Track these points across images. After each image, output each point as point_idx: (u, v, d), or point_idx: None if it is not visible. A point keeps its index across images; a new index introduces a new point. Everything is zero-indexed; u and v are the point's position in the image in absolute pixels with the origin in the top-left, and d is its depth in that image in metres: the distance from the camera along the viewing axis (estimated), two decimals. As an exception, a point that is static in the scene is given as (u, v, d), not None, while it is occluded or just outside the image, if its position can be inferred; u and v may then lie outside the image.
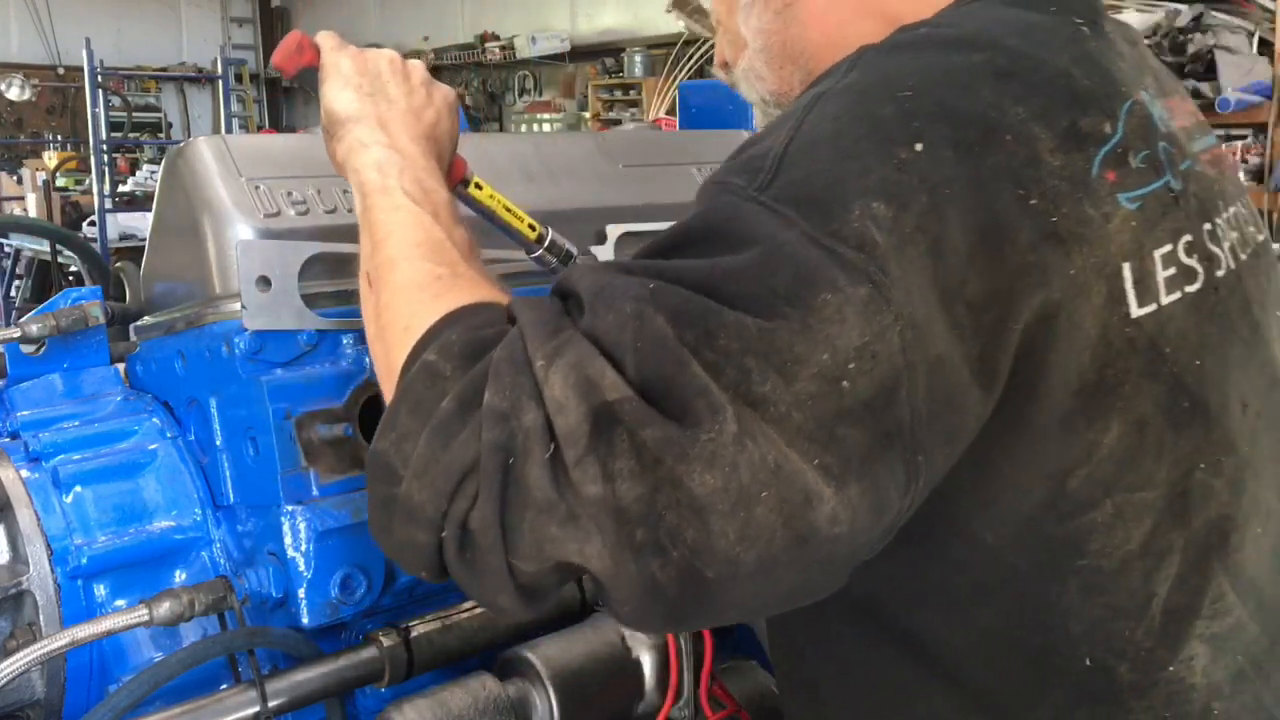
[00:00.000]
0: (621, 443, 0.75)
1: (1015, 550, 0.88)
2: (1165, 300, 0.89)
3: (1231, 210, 1.02)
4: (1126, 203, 0.88)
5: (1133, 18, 5.06)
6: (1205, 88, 4.89)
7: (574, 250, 1.34)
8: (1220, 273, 0.95)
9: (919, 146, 0.82)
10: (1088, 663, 0.90)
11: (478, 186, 1.26)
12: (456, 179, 1.22)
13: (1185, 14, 4.93)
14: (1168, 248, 0.90)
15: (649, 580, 0.75)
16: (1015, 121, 0.85)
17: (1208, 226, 0.96)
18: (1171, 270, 0.90)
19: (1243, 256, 1.00)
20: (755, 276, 0.78)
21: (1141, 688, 0.90)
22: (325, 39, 1.20)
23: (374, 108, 1.13)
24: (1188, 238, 0.92)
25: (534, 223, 1.29)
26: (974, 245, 0.80)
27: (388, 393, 0.92)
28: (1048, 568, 0.88)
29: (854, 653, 1.00)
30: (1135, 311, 0.87)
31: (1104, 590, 0.89)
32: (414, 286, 0.96)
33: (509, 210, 1.28)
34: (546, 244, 1.30)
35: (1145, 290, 0.87)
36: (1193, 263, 0.92)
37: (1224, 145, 4.87)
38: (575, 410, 0.75)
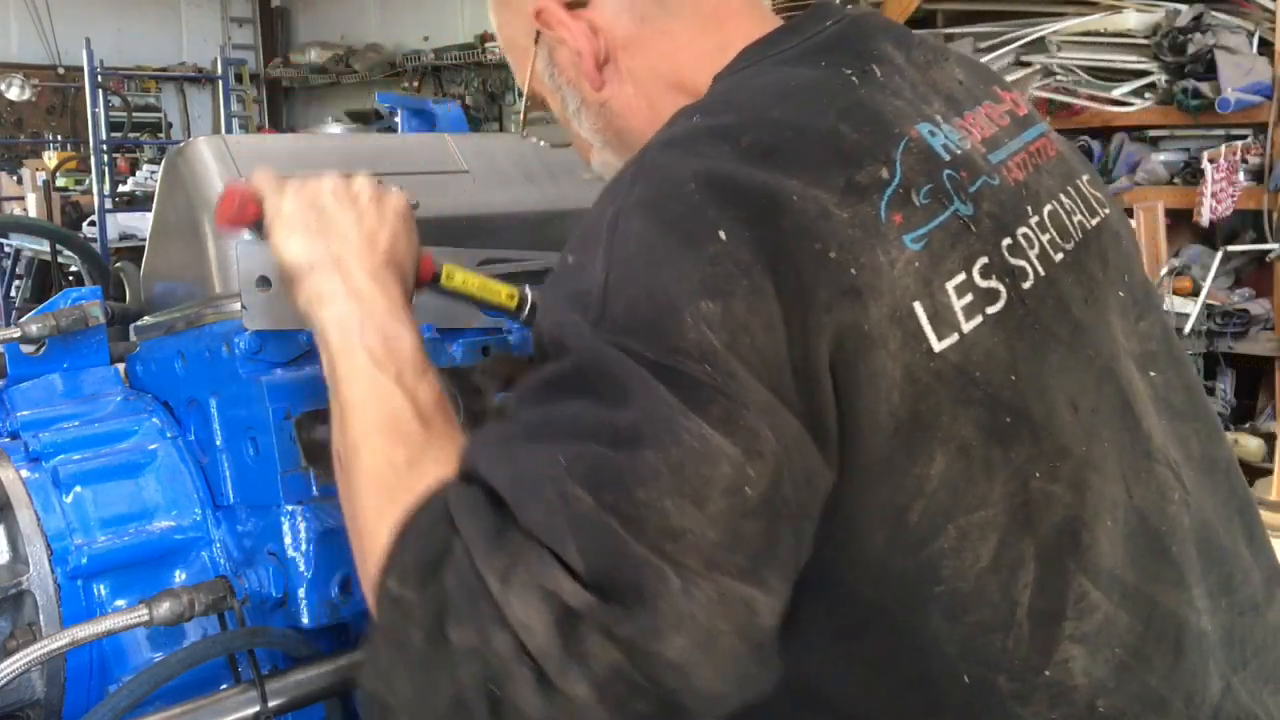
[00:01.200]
0: (593, 639, 0.78)
1: (876, 587, 0.91)
2: (967, 328, 0.90)
3: (1047, 209, 1.04)
4: (911, 243, 0.90)
5: (1133, 18, 5.05)
6: (1205, 88, 4.88)
7: None
8: (1027, 284, 0.97)
9: (722, 234, 0.85)
10: (967, 680, 0.91)
11: (449, 277, 1.22)
12: (425, 279, 1.20)
13: (1185, 14, 4.93)
14: (960, 277, 0.92)
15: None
16: (794, 191, 0.88)
17: (1008, 241, 0.97)
18: (968, 297, 0.91)
19: (1058, 257, 1.01)
20: (644, 420, 0.82)
21: (1023, 694, 0.92)
22: (262, 181, 1.15)
23: (326, 248, 1.09)
24: (983, 260, 0.94)
25: (511, 290, 1.27)
26: (788, 313, 0.84)
27: (366, 583, 0.95)
28: (909, 599, 0.91)
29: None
30: (937, 346, 0.89)
31: (967, 610, 0.90)
32: (375, 481, 0.98)
33: (485, 287, 1.26)
34: (529, 308, 1.29)
35: (943, 323, 0.89)
36: (992, 283, 0.94)
37: (1224, 145, 4.88)
38: (542, 627, 0.78)
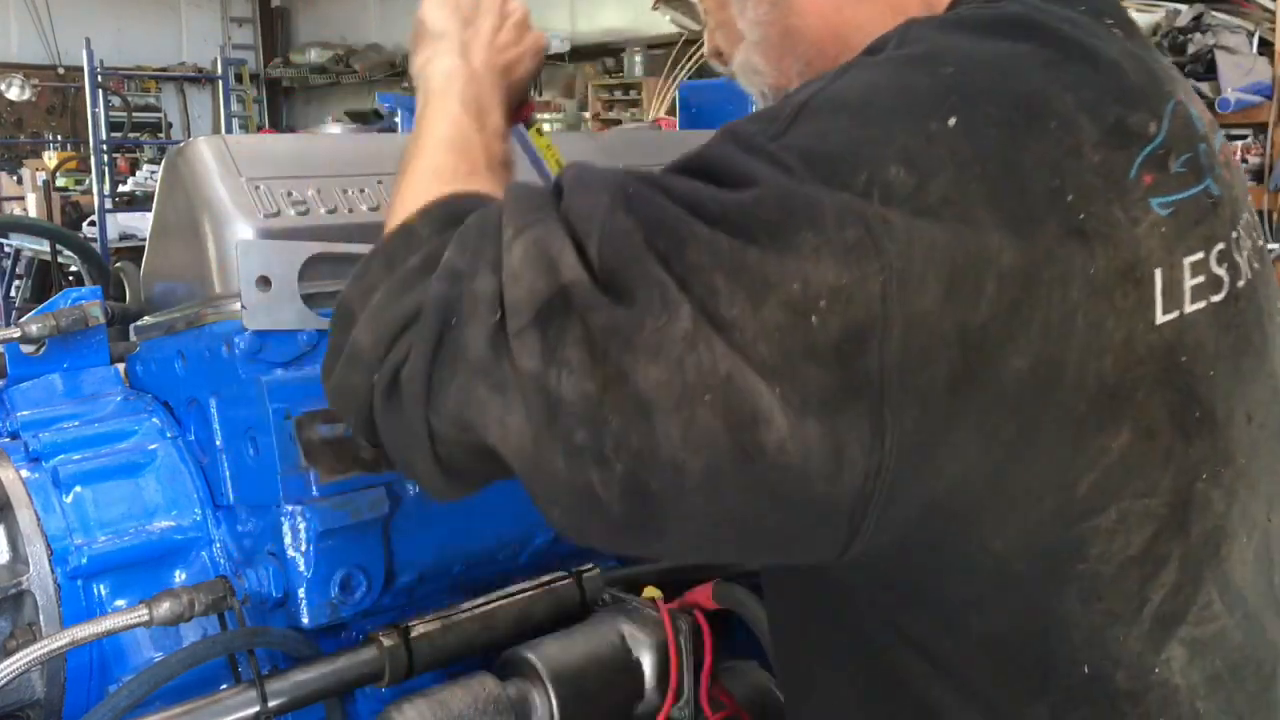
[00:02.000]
0: (572, 331, 0.74)
1: (1020, 557, 0.87)
2: (1189, 309, 0.87)
3: (1245, 216, 1.01)
4: (1158, 208, 0.86)
5: (1132, 18, 5.06)
6: (1205, 88, 4.89)
7: None
8: (1240, 283, 0.94)
9: (952, 121, 0.79)
10: (1086, 670, 0.89)
11: (539, 133, 1.32)
12: (523, 118, 1.30)
13: (1185, 14, 4.93)
14: (1199, 255, 0.88)
15: (586, 489, 0.74)
16: (1063, 109, 0.83)
17: (1235, 234, 0.94)
18: (1200, 278, 0.88)
19: (1256, 265, 0.99)
20: (741, 208, 0.76)
21: (1136, 694, 0.90)
22: None
23: (462, 32, 1.17)
24: (1220, 245, 0.91)
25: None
26: (1002, 228, 0.78)
27: (384, 232, 0.95)
28: (1049, 574, 0.88)
29: (855, 659, 0.99)
30: (1159, 319, 0.85)
31: (1102, 596, 0.88)
32: (430, 174, 0.99)
33: (551, 155, 1.35)
34: None
35: (1170, 298, 0.86)
36: (1221, 272, 0.91)
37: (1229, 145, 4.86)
38: (528, 283, 0.75)
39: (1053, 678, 0.90)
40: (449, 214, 0.88)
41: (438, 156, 1.02)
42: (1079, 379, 0.82)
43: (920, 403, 0.78)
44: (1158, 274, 0.85)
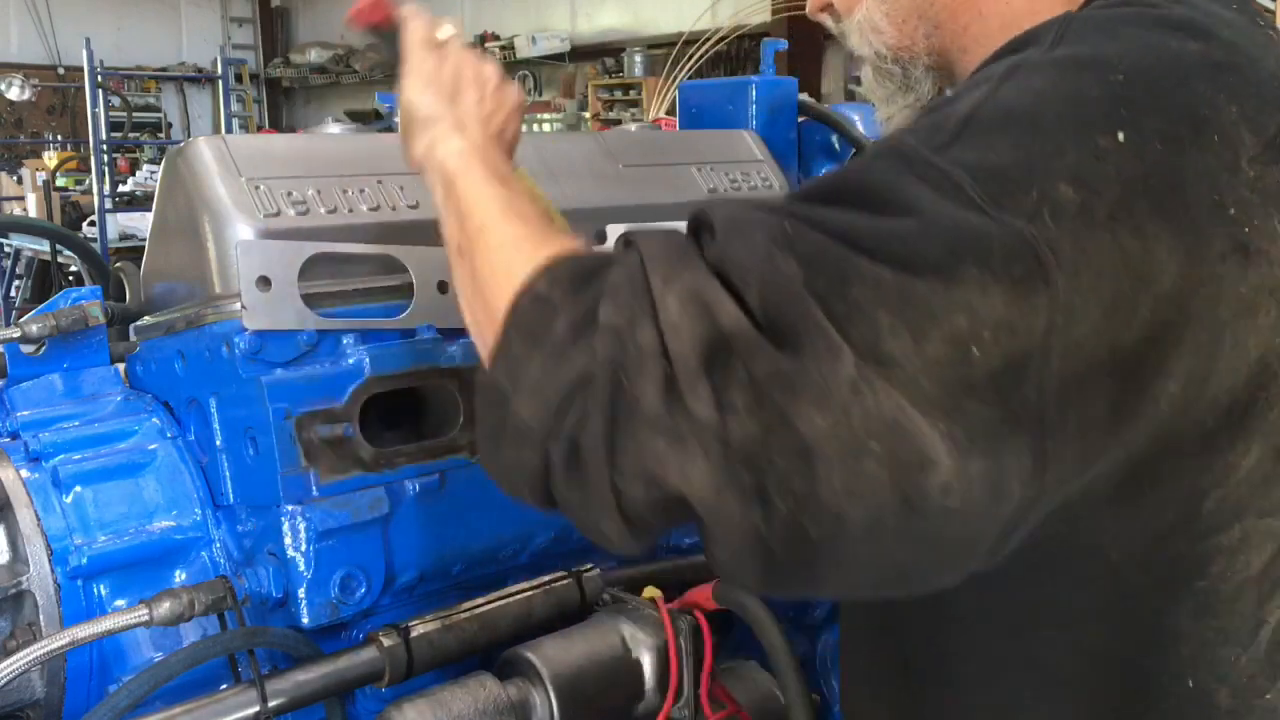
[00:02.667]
0: (736, 374, 0.73)
1: (1140, 571, 0.87)
2: None
3: None
4: None
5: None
6: (1205, 88, 4.89)
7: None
8: None
9: (1121, 136, 0.78)
10: (1190, 685, 0.89)
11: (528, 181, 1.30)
12: None
13: (1185, 14, 4.93)
14: None
15: (752, 531, 0.74)
16: (1226, 121, 0.81)
17: None
18: None
19: None
20: (903, 240, 0.75)
21: (1238, 713, 0.90)
22: (411, 21, 1.22)
23: (452, 112, 1.16)
24: None
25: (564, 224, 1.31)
26: (1169, 246, 0.77)
27: (489, 339, 0.91)
28: (1166, 588, 0.87)
29: (966, 664, 0.99)
30: None
31: (1216, 614, 0.88)
32: (510, 244, 0.96)
33: (550, 209, 1.33)
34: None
35: None
36: None
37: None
38: (689, 333, 0.74)
39: (1157, 693, 0.90)
40: (574, 273, 0.85)
41: (505, 228, 0.98)
42: (1214, 396, 0.81)
43: (1082, 434, 0.77)
44: None
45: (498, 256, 0.96)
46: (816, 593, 0.85)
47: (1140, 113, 0.79)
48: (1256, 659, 0.89)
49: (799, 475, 0.72)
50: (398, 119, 1.22)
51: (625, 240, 0.84)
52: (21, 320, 1.48)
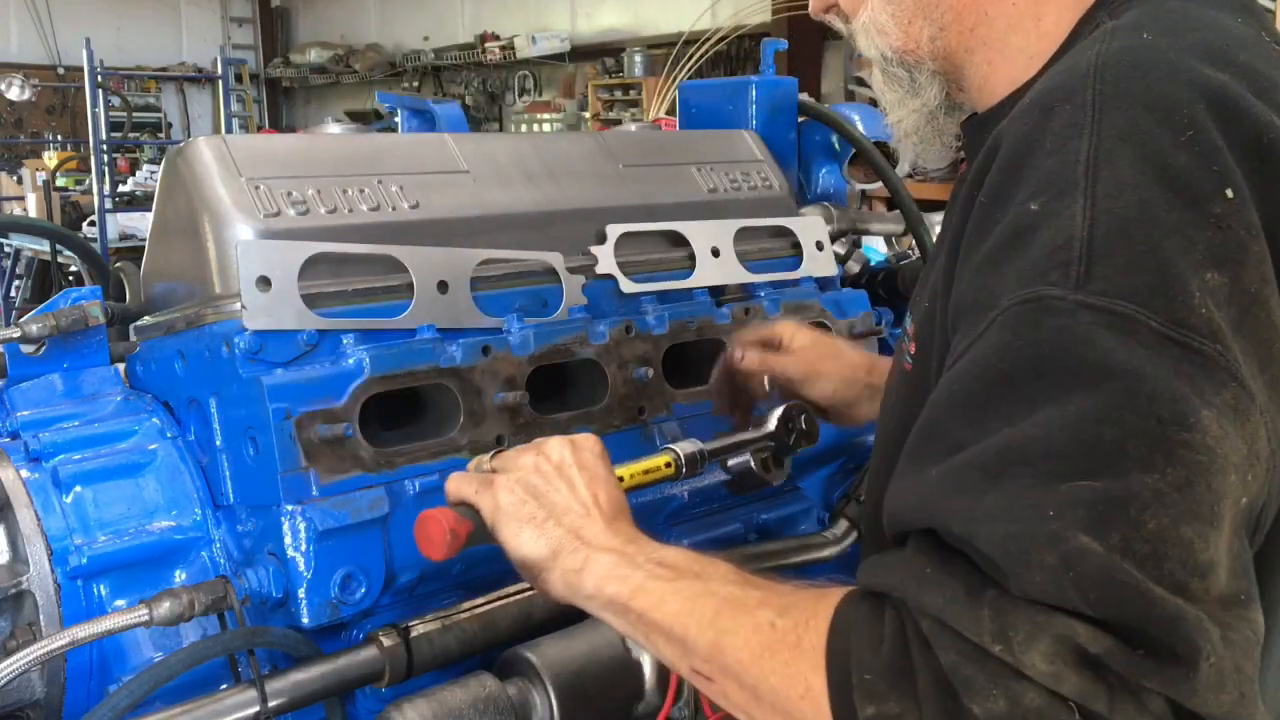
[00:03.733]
0: (1135, 687, 0.70)
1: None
2: None
3: None
4: None
5: None
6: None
7: (699, 449, 1.32)
8: None
9: (1230, 193, 0.77)
10: None
11: (624, 481, 1.21)
12: None
13: (1185, 14, 4.93)
14: None
15: None
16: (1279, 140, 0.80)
17: None
18: None
19: None
20: (1134, 424, 0.71)
21: None
22: (463, 488, 1.12)
23: (560, 530, 1.06)
24: None
25: (666, 459, 1.29)
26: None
27: None
28: None
29: None
30: None
31: None
32: (758, 650, 0.86)
33: (646, 473, 1.27)
34: (681, 464, 1.29)
35: None
36: None
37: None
38: (1072, 671, 0.70)
39: None
40: (882, 672, 0.76)
41: (737, 634, 0.88)
42: None
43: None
44: None
45: (758, 669, 0.86)
46: None
47: (1226, 164, 0.78)
48: None
49: None
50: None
51: (871, 593, 0.79)
52: (21, 320, 1.48)
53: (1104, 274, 0.75)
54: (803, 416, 1.44)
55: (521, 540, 1.06)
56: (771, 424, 1.42)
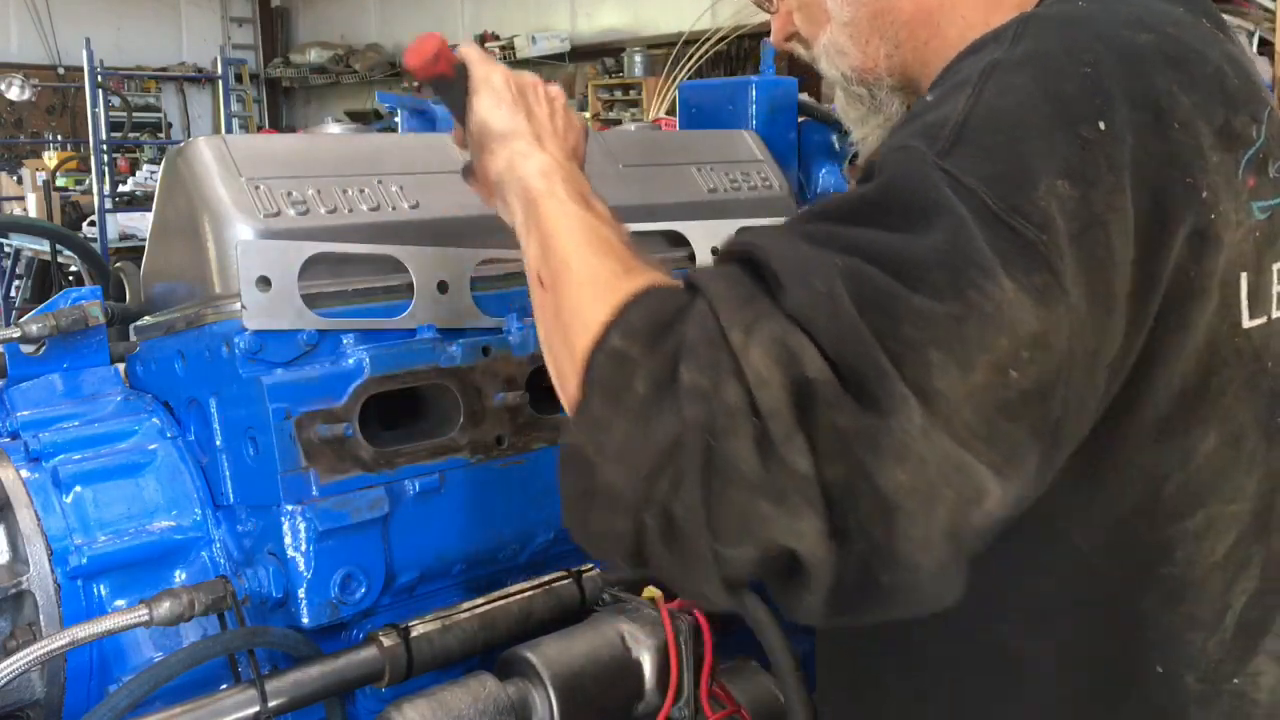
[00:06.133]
0: (822, 421, 0.73)
1: (1105, 556, 0.88)
2: (1276, 314, 0.89)
3: None
4: (1257, 212, 0.87)
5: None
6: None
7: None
8: None
9: (1102, 125, 0.81)
10: (1160, 670, 0.90)
11: None
12: None
13: (1185, 14, 4.94)
14: None
15: (835, 574, 0.75)
16: (1183, 111, 0.84)
17: None
18: None
19: None
20: (941, 258, 0.76)
21: (1206, 698, 0.91)
22: (470, 52, 1.21)
23: (528, 125, 1.14)
24: None
25: None
26: (1145, 233, 0.79)
27: (570, 386, 0.90)
28: (1133, 575, 0.89)
29: (935, 664, 1.00)
30: (1246, 322, 0.86)
31: (1184, 599, 0.89)
32: (589, 282, 0.94)
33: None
34: None
35: (1258, 302, 0.87)
36: None
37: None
38: (779, 384, 0.74)
39: (1125, 680, 0.91)
40: (649, 323, 0.83)
41: (586, 263, 0.96)
42: (1167, 379, 0.83)
43: (1073, 436, 0.80)
44: (1243, 278, 0.86)
45: (580, 295, 0.94)
46: (872, 621, 0.87)
47: (1111, 102, 0.82)
48: (1223, 643, 0.90)
49: (879, 527, 0.73)
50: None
51: (689, 284, 0.84)
52: (21, 320, 1.48)
53: (963, 153, 0.80)
54: None
55: (494, 112, 1.16)
56: None
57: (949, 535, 0.74)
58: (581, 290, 0.94)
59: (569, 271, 0.97)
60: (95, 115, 8.32)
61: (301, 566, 1.24)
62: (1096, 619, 0.91)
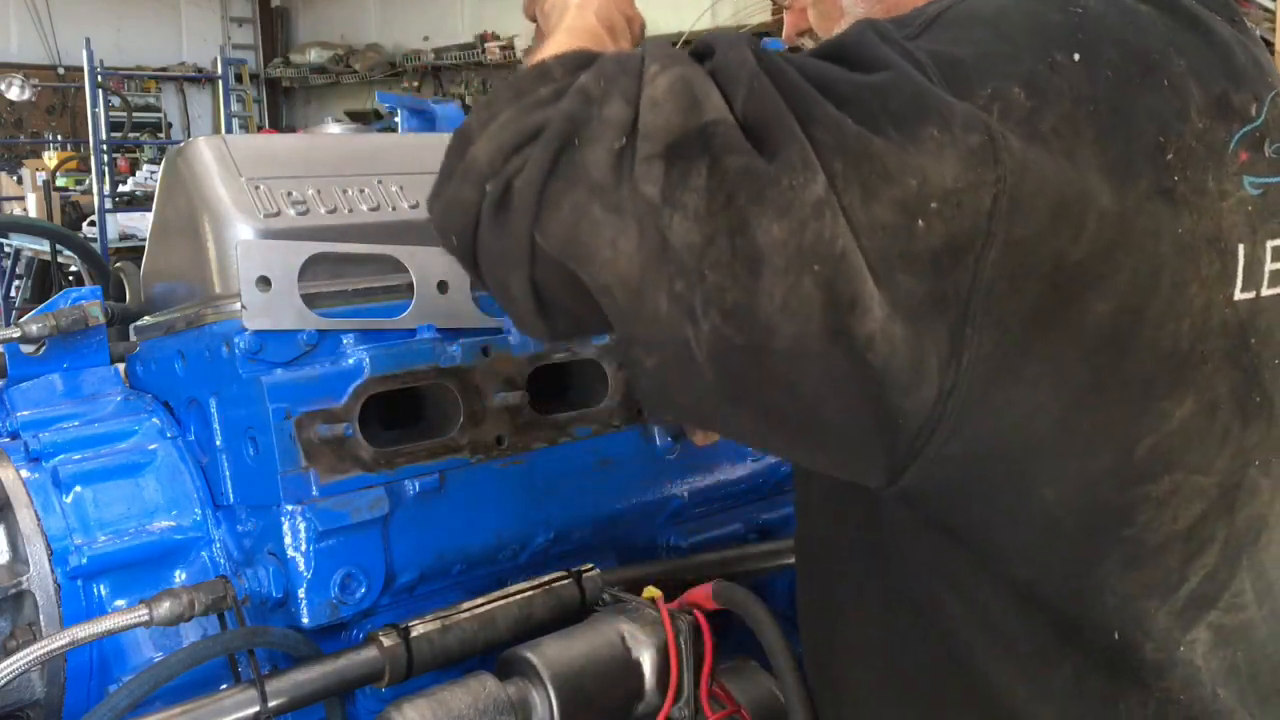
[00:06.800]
0: (697, 176, 0.74)
1: (1069, 510, 0.87)
2: (1266, 292, 0.89)
3: None
4: (1250, 187, 0.88)
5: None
6: (1205, 88, 4.89)
7: None
8: None
9: (1077, 57, 0.82)
10: (1116, 637, 0.90)
11: None
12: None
13: (1185, 14, 4.94)
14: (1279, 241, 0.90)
15: (685, 346, 0.75)
16: (1175, 72, 0.85)
17: None
18: (1279, 265, 0.90)
19: None
20: (871, 93, 0.77)
21: (1162, 666, 0.90)
22: None
23: None
24: None
25: None
26: (1101, 171, 0.80)
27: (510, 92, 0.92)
28: (1094, 533, 0.88)
29: (890, 594, 1.00)
30: (1237, 295, 0.87)
31: (1143, 566, 0.89)
32: (555, 47, 1.02)
33: None
34: None
35: (1250, 276, 0.88)
36: None
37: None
38: (667, 113, 0.75)
39: (1080, 638, 0.91)
40: (586, 59, 0.85)
41: (566, 42, 1.05)
42: (1154, 337, 0.83)
43: (1002, 328, 0.79)
44: (1241, 249, 0.87)
45: (543, 55, 0.97)
46: (737, 427, 0.88)
47: (1096, 42, 0.83)
48: (1172, 613, 0.90)
49: (737, 287, 0.73)
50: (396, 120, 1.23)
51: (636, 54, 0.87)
52: (21, 320, 1.48)
53: (929, 38, 0.82)
54: None
55: None
56: None
57: (817, 320, 0.74)
58: (547, 52, 0.97)
59: (546, 48, 1.05)
60: (95, 115, 8.33)
61: (301, 566, 1.24)
62: (1058, 577, 0.90)
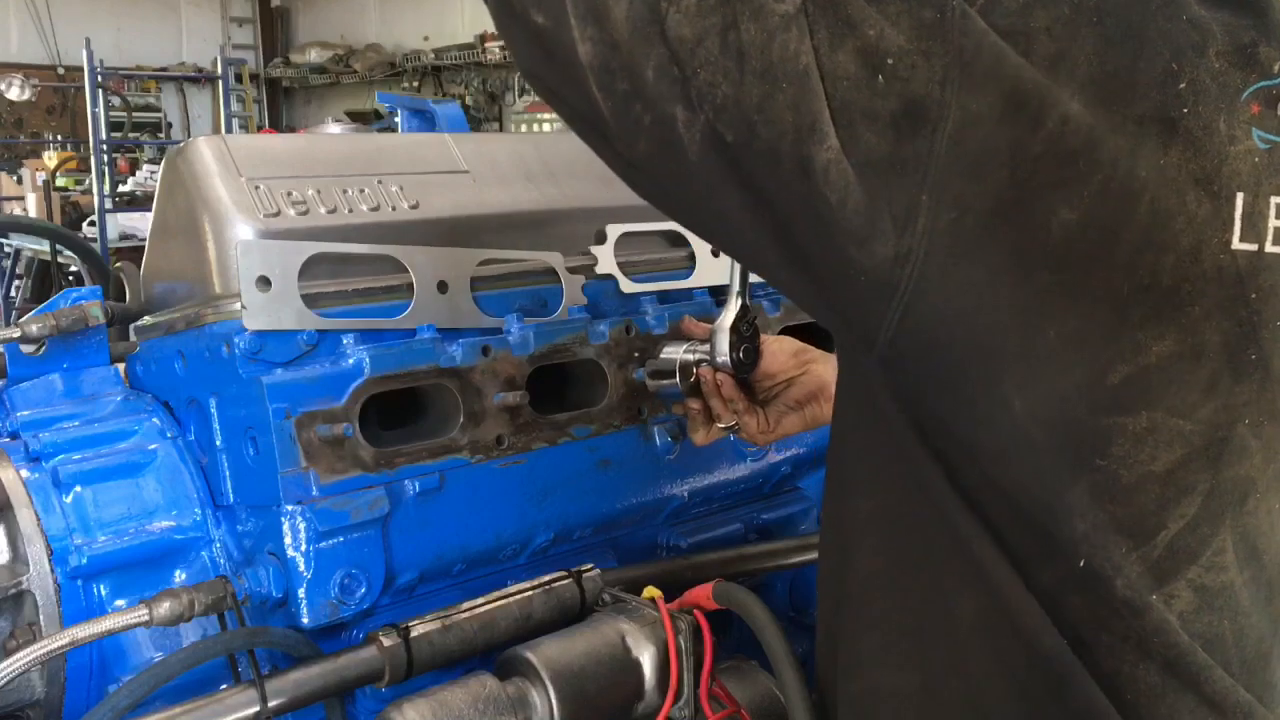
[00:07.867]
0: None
1: (1036, 422, 0.87)
2: (1269, 249, 0.88)
3: None
4: (1258, 139, 0.87)
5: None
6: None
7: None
8: None
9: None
10: (1083, 565, 0.89)
11: None
12: None
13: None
14: None
15: (670, 123, 0.84)
16: (1195, 11, 0.86)
17: None
18: None
19: None
20: None
21: (1135, 607, 0.90)
22: None
23: None
24: None
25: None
26: (1093, 81, 0.81)
27: None
28: (1065, 454, 0.88)
29: (893, 467, 1.01)
30: (1235, 243, 0.86)
31: (1116, 501, 0.88)
32: None
33: None
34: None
35: (1250, 228, 0.87)
36: None
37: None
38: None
39: (1055, 556, 0.90)
40: None
41: None
42: (1131, 262, 0.83)
43: (961, 206, 0.82)
44: (1239, 197, 0.86)
45: None
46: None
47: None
48: (1147, 558, 0.89)
49: (728, 81, 0.82)
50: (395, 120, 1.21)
51: None
52: (21, 320, 1.48)
53: None
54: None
55: None
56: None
57: (787, 137, 0.81)
58: None
59: None
60: (95, 115, 8.33)
61: (301, 566, 1.24)
62: (1028, 485, 0.90)
